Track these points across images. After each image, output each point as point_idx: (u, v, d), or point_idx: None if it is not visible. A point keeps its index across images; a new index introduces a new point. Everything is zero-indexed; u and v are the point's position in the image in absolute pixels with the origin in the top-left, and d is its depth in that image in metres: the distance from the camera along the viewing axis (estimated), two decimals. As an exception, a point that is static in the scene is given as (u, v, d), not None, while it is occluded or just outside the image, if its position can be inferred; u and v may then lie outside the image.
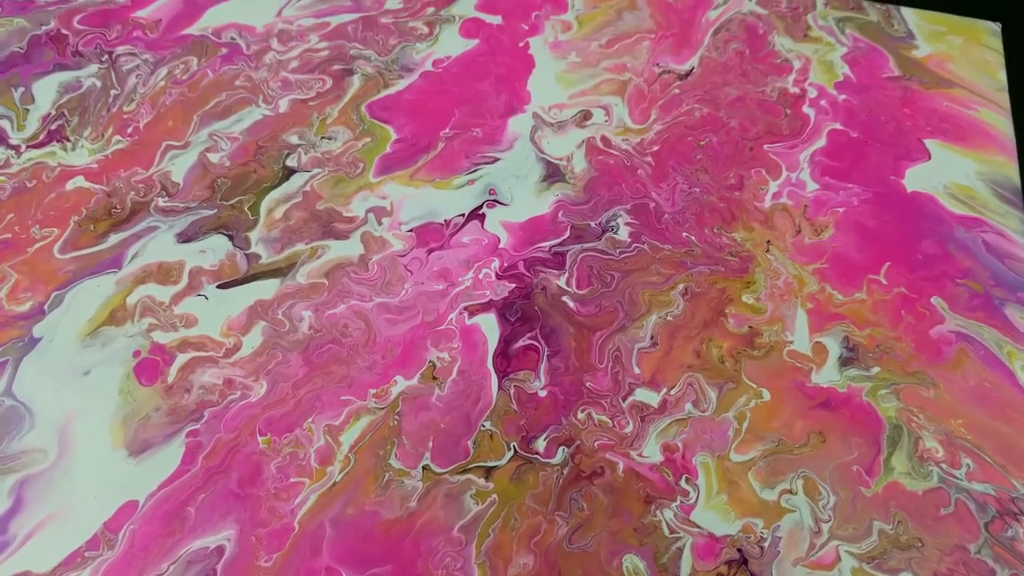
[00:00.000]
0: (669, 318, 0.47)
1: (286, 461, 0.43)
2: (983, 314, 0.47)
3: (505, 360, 0.46)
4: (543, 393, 0.45)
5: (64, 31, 0.59)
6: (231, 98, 0.56)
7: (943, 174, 0.52)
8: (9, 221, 0.51)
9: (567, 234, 0.50)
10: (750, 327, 0.47)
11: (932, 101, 0.56)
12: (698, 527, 0.41)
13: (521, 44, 0.58)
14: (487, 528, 0.41)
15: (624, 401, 0.45)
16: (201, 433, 0.44)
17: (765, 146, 0.53)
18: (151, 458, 0.44)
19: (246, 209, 0.52)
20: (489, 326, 0.47)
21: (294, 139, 0.54)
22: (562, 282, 0.49)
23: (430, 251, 0.50)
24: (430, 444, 0.43)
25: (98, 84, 0.57)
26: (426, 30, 0.59)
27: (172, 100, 0.56)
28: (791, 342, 0.46)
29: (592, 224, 0.51)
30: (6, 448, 0.44)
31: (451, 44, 0.58)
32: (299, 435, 0.44)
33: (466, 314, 0.48)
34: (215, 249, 0.50)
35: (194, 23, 0.60)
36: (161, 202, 0.52)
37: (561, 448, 0.43)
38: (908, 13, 0.59)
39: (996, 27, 0.58)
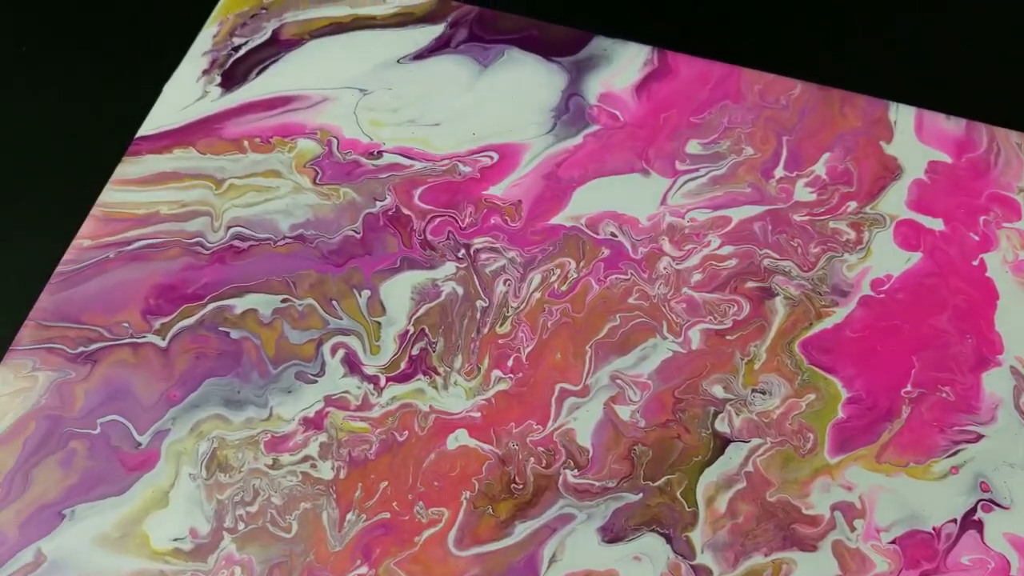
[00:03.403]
0: None
1: None
2: None
3: None
4: None
5: (405, 211, 0.49)
6: (628, 324, 0.46)
7: None
8: (384, 493, 0.42)
9: (1100, 563, 0.40)
10: None
11: None
12: None
13: (975, 262, 0.48)
14: None
15: None
16: None
17: None
18: None
19: (679, 496, 0.42)
20: None
21: (719, 391, 0.44)
22: (1111, 640, 0.38)
23: (924, 575, 0.40)
24: None
25: (459, 292, 0.47)
26: (852, 235, 0.48)
27: (555, 322, 0.46)
28: None
29: None
30: None
31: (888, 257, 0.48)
32: None
33: None
34: (652, 556, 0.41)
35: (561, 210, 0.49)
36: (570, 477, 0.42)
37: None
38: None
39: None
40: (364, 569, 0.41)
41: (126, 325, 0.46)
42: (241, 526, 0.42)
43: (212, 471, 0.43)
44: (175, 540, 0.41)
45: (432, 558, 0.41)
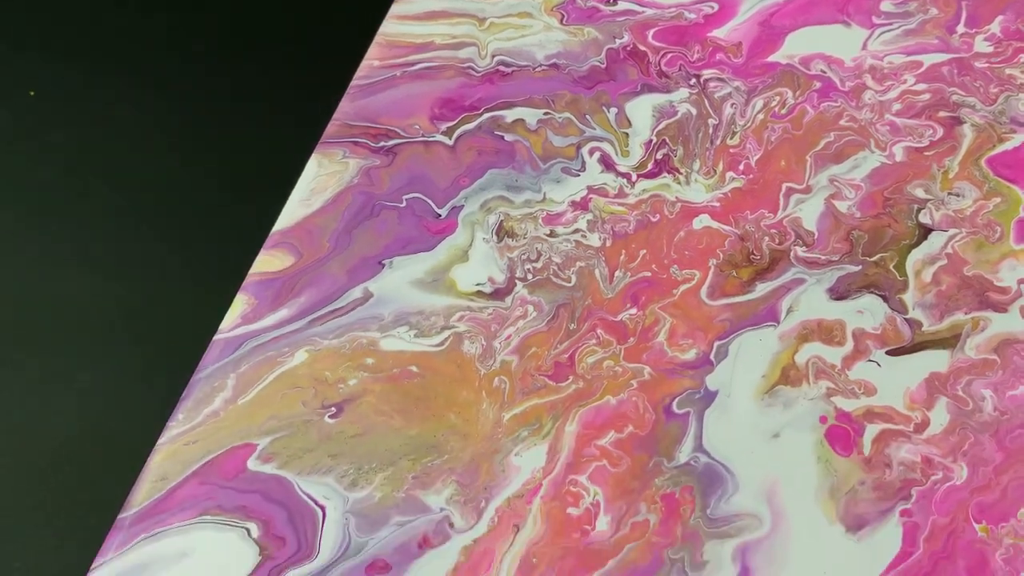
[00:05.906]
0: None
1: (1010, 553, 0.44)
2: None
3: None
4: None
5: (641, 47, 0.60)
6: (840, 139, 0.56)
7: None
8: (644, 258, 0.52)
9: None
10: None
11: None
12: None
13: None
14: None
15: None
16: (914, 513, 0.45)
17: None
18: (870, 537, 0.45)
19: (891, 268, 0.52)
20: None
21: (920, 193, 0.54)
22: None
23: (1099, 334, 0.50)
24: None
25: (693, 111, 0.57)
26: (1026, 79, 0.58)
27: (777, 137, 0.56)
28: None
29: None
30: (715, 510, 0.45)
31: (1058, 97, 0.57)
32: (1015, 526, 0.45)
33: None
34: (872, 311, 0.51)
35: (777, 50, 0.59)
36: (800, 252, 0.52)
37: None
38: None
39: None
40: (633, 311, 0.51)
41: (417, 127, 0.57)
42: (530, 276, 0.52)
43: (501, 237, 0.53)
44: (477, 285, 0.52)
45: (689, 305, 0.51)
